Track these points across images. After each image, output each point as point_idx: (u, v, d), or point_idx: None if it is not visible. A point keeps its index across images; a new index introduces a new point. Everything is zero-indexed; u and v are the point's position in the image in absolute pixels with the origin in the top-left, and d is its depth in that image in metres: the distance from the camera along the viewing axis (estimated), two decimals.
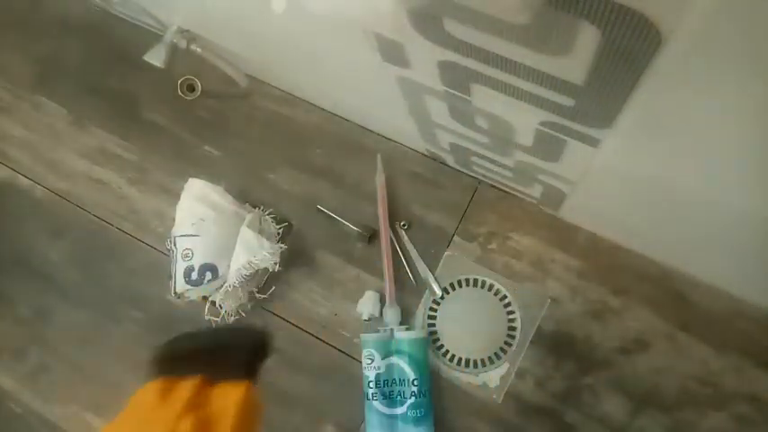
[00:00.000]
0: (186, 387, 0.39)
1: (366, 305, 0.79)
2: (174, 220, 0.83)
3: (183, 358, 0.43)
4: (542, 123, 0.46)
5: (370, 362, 0.74)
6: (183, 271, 0.79)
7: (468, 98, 0.49)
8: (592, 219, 0.75)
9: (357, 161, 0.85)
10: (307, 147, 0.87)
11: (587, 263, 0.77)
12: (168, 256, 0.84)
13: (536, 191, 0.71)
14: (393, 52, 0.47)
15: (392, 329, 0.76)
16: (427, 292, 0.80)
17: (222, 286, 0.79)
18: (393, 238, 0.81)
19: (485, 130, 0.57)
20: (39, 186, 0.95)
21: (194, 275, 0.78)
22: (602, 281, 0.76)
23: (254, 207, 0.85)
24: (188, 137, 0.91)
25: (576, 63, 0.34)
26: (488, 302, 0.78)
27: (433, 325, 0.79)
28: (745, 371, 0.71)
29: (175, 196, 0.84)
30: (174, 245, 0.80)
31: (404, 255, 0.81)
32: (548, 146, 0.51)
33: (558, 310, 0.77)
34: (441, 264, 0.80)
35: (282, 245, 0.80)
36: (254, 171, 0.88)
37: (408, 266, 0.81)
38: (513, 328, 0.77)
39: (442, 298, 0.79)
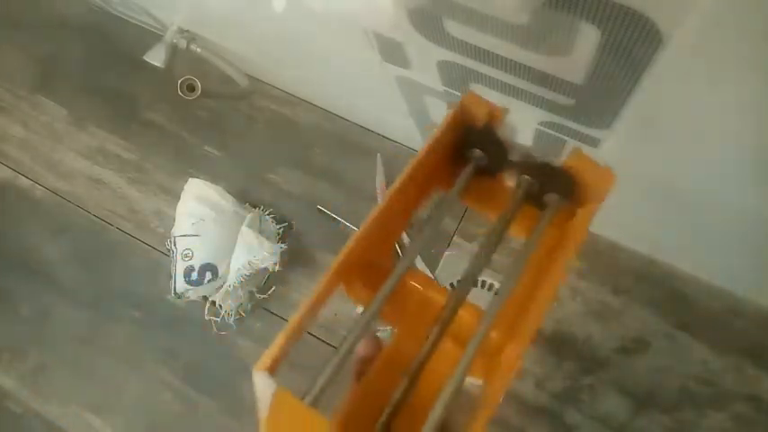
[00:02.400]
0: None
1: None
2: (174, 220, 0.83)
3: None
4: (542, 123, 0.46)
5: None
6: (183, 271, 0.79)
7: None
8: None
9: (357, 161, 0.85)
10: (307, 147, 0.87)
11: (587, 263, 0.77)
12: (168, 256, 0.84)
13: None
14: (393, 52, 0.47)
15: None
16: None
17: (222, 286, 0.79)
18: None
19: None
20: (39, 186, 0.95)
21: (194, 275, 0.78)
22: (602, 281, 0.76)
23: (254, 207, 0.85)
24: (188, 137, 0.91)
25: (575, 63, 0.34)
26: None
27: None
28: (744, 371, 0.71)
29: (175, 196, 0.84)
30: (174, 245, 0.80)
31: (404, 254, 0.81)
32: (547, 146, 0.51)
33: (559, 310, 0.76)
34: (441, 264, 0.80)
35: (282, 245, 0.80)
36: (254, 171, 0.88)
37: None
38: None
39: None
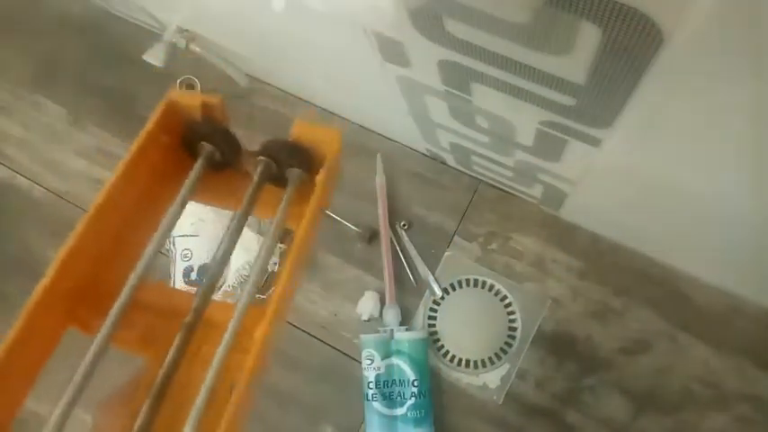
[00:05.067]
0: None
1: (366, 305, 0.78)
2: None
3: None
4: (543, 123, 0.46)
5: (369, 362, 0.74)
6: (182, 271, 0.79)
7: (468, 97, 0.49)
8: (593, 218, 0.75)
9: (357, 161, 0.85)
10: None
11: (588, 263, 0.77)
12: (167, 256, 0.84)
13: (537, 191, 0.71)
14: (393, 51, 0.47)
15: (392, 330, 0.76)
16: (427, 292, 0.80)
17: (222, 286, 0.79)
18: (393, 239, 0.81)
19: (485, 130, 0.57)
20: (38, 186, 0.94)
21: (193, 275, 0.78)
22: (603, 281, 0.76)
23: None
24: None
25: (576, 62, 0.34)
26: (489, 303, 0.78)
27: (434, 325, 0.79)
28: (746, 371, 0.71)
29: None
30: (174, 245, 0.80)
31: (404, 255, 0.81)
32: (548, 145, 0.51)
33: (559, 311, 0.76)
34: (441, 264, 0.80)
35: (282, 245, 0.80)
36: None
37: (408, 266, 0.81)
38: (514, 329, 0.77)
39: (442, 298, 0.79)
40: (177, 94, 0.29)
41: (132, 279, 0.25)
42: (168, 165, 0.30)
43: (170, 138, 0.30)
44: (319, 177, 0.30)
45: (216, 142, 0.31)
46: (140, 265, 0.26)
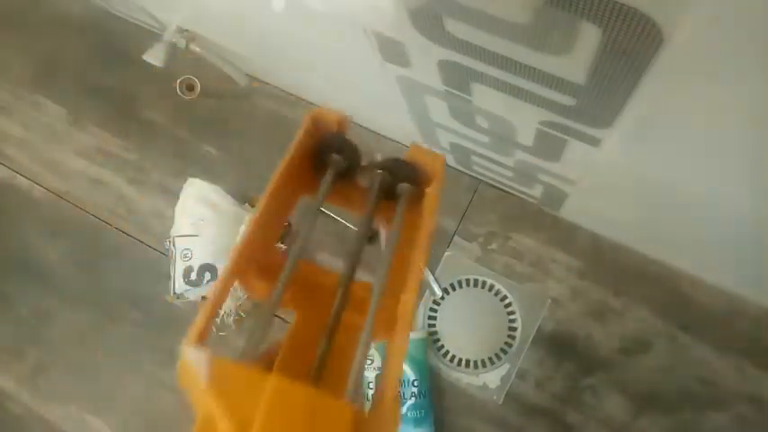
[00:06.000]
0: None
1: None
2: (173, 220, 0.83)
3: None
4: (543, 123, 0.46)
5: (369, 363, 0.74)
6: (182, 271, 0.79)
7: (468, 97, 0.49)
8: (593, 218, 0.75)
9: None
10: None
11: (588, 263, 0.77)
12: (168, 256, 0.84)
13: (537, 191, 0.71)
14: (393, 51, 0.47)
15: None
16: (427, 292, 0.80)
17: None
18: None
19: (485, 130, 0.57)
20: (37, 186, 0.94)
21: (193, 276, 0.78)
22: (602, 281, 0.76)
23: (254, 207, 0.85)
24: (187, 136, 0.91)
25: (576, 62, 0.34)
26: (489, 303, 0.78)
27: (434, 325, 0.79)
28: (746, 371, 0.71)
29: (175, 196, 0.84)
30: (173, 245, 0.80)
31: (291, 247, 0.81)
32: (548, 145, 0.51)
33: (559, 311, 0.76)
34: (441, 264, 0.80)
35: (282, 245, 0.80)
36: (254, 171, 0.88)
37: None
38: (514, 329, 0.77)
39: (442, 298, 0.79)
40: (320, 110, 0.35)
41: (291, 257, 0.31)
42: (298, 170, 0.36)
43: (310, 145, 0.36)
44: (430, 189, 0.35)
45: (345, 154, 0.35)
46: (295, 247, 0.32)
